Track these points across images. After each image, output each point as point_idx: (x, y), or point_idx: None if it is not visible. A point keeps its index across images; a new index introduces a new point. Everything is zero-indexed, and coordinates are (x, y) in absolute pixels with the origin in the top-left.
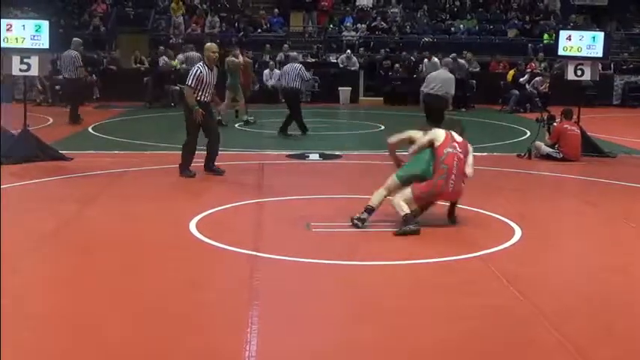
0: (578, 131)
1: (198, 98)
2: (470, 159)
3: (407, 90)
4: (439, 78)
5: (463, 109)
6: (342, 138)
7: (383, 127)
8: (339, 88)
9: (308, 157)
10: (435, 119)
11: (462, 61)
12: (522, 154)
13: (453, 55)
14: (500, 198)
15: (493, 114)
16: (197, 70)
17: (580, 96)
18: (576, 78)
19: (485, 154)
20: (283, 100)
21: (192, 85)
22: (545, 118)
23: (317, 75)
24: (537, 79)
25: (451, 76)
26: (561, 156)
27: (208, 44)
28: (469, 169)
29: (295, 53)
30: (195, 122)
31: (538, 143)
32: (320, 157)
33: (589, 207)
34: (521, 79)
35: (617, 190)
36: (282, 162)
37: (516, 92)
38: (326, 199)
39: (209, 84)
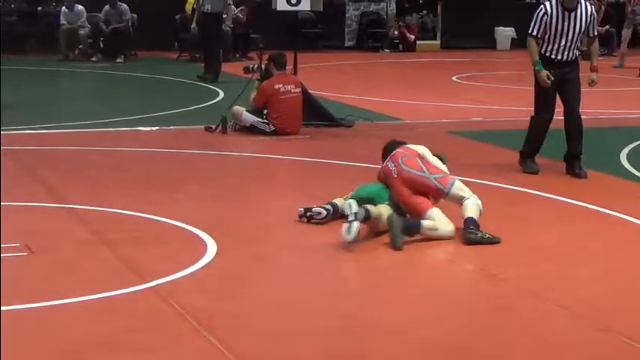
0: (298, 91)
1: (548, 54)
2: None
3: (29, 30)
4: None
5: (120, 61)
6: None
7: None
8: None
9: None
10: None
11: None
12: (214, 127)
13: None
14: (182, 195)
15: (166, 65)
16: (540, 12)
17: (296, 35)
18: (289, 8)
19: (155, 128)
20: None
21: (535, 33)
22: (262, 67)
23: None
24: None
25: None
26: (272, 129)
27: None
28: None
29: None
30: (543, 89)
31: (238, 109)
32: None
33: (313, 201)
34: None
35: (347, 174)
36: None
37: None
38: None
39: (564, 32)
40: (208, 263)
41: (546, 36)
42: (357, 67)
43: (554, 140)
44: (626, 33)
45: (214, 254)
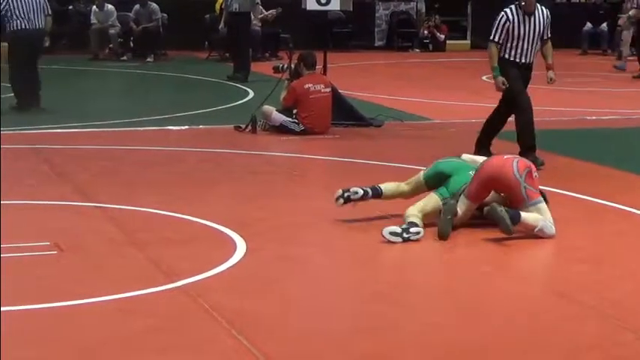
0: (328, 90)
1: (513, 58)
2: None
3: (59, 30)
4: None
5: (150, 60)
6: None
7: None
8: None
9: None
10: None
11: None
12: (243, 126)
13: None
14: (212, 194)
15: (196, 65)
16: (502, 19)
17: (326, 35)
18: (319, 8)
19: (185, 127)
20: None
21: (496, 39)
22: (291, 67)
23: None
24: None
25: None
26: (302, 128)
27: None
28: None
29: None
30: (515, 88)
31: (268, 109)
32: None
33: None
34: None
35: (377, 174)
36: None
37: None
38: None
39: (526, 36)
40: (237, 263)
41: (508, 42)
42: (386, 66)
43: (583, 141)
44: (626, 34)
45: (243, 254)
